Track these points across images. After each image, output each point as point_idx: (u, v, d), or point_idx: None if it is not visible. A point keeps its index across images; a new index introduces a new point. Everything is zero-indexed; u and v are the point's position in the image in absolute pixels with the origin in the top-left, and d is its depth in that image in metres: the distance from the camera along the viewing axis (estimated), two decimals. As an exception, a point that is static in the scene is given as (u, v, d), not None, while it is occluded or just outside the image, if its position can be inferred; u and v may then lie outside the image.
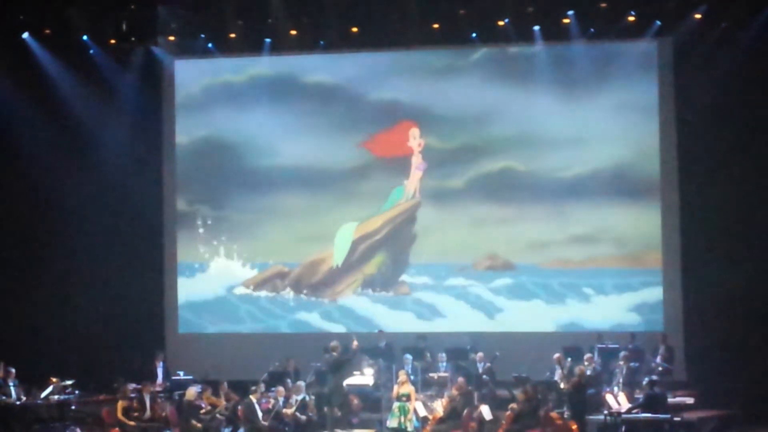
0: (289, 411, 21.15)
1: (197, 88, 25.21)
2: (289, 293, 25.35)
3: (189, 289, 25.66)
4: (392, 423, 20.50)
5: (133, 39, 25.34)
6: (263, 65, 24.85)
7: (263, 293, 25.33)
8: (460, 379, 21.17)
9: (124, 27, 25.03)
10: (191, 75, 25.14)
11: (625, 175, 23.80)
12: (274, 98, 24.64)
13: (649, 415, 20.12)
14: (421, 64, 24.01)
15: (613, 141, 23.72)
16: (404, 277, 24.70)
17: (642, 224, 24.07)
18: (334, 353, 21.09)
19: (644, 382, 21.12)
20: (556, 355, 22.16)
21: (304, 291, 25.19)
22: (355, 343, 21.18)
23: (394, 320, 24.84)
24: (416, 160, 24.11)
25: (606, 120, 23.82)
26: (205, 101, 25.14)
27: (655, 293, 24.45)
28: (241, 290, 25.45)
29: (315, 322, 25.46)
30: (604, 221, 23.92)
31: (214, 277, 25.46)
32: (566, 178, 23.68)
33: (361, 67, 24.26)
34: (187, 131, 25.31)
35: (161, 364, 23.52)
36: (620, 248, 23.99)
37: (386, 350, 23.39)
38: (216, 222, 25.13)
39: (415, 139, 24.10)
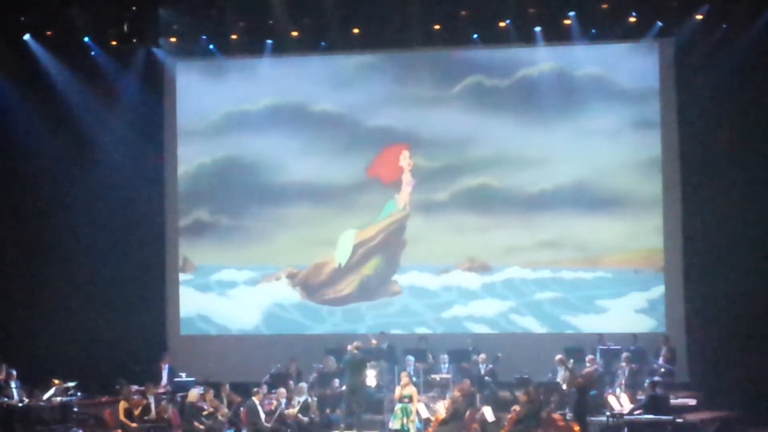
0: (291, 412, 21.20)
1: (218, 116, 26.39)
2: (295, 296, 26.09)
3: (202, 291, 26.40)
4: (395, 424, 20.52)
5: (134, 41, 25.27)
6: (276, 96, 26.25)
7: (273, 295, 26.27)
8: (465, 381, 21.18)
9: (125, 29, 24.98)
10: (214, 103, 26.33)
11: (589, 189, 25.23)
12: (285, 124, 26.20)
13: (651, 416, 20.17)
14: (412, 95, 25.83)
15: (573, 160, 25.25)
16: (396, 278, 26.01)
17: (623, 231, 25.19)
18: (356, 351, 21.22)
19: (646, 384, 21.17)
20: (558, 357, 22.15)
21: (310, 293, 26.17)
22: (374, 341, 23.09)
23: (389, 320, 25.63)
24: (406, 178, 26.08)
25: (568, 142, 25.28)
26: (226, 127, 26.40)
27: (656, 294, 24.62)
28: (253, 291, 26.31)
29: (318, 325, 25.92)
30: (569, 229, 25.29)
31: (229, 280, 26.40)
32: (534, 192, 25.53)
33: (360, 98, 25.96)
34: (210, 152, 26.51)
35: (167, 366, 23.50)
36: (583, 252, 25.24)
37: (388, 352, 23.43)
38: (234, 230, 26.47)
39: (405, 159, 26.00)
